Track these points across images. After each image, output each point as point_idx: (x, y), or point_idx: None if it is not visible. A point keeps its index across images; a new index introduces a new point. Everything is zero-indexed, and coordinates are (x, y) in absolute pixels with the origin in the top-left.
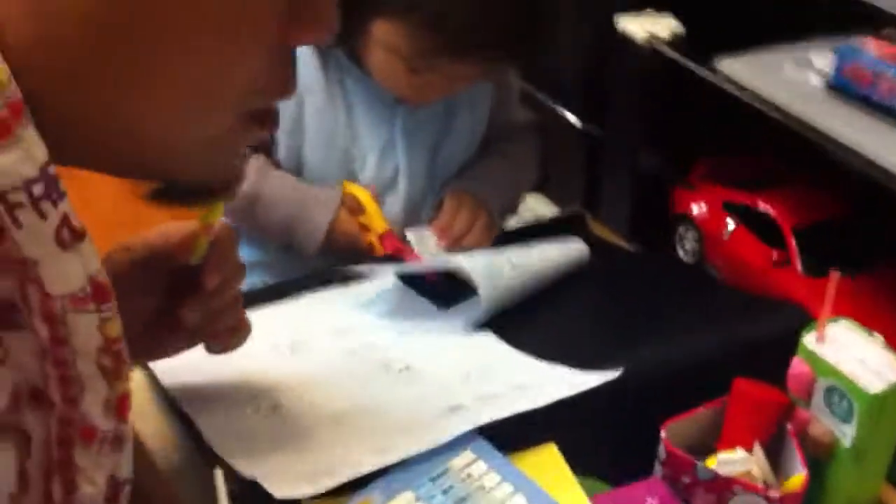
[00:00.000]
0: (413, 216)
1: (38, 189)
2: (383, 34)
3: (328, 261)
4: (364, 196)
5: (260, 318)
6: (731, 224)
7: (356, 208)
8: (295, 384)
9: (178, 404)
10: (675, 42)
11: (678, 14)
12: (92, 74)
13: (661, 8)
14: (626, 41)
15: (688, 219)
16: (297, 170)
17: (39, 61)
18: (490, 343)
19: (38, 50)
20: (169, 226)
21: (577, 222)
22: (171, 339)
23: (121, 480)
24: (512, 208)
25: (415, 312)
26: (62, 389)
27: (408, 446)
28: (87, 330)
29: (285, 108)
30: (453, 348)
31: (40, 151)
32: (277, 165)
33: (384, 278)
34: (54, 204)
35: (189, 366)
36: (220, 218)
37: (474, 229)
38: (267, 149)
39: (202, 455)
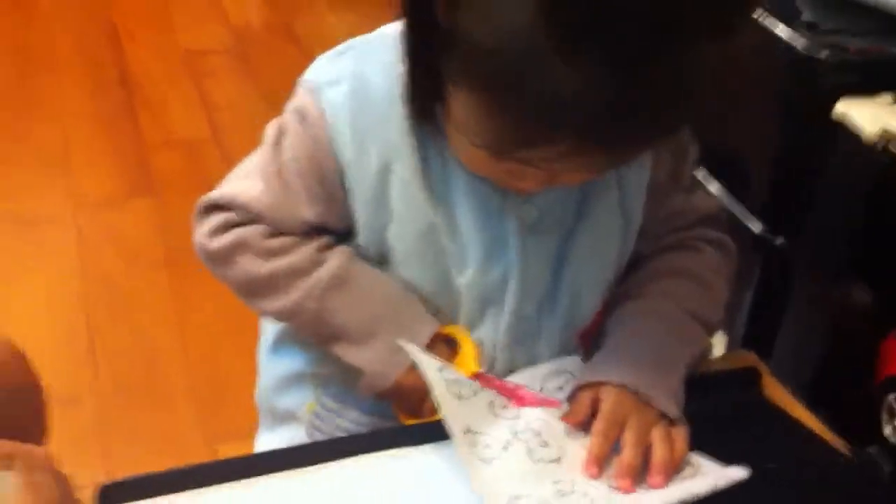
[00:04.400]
0: (519, 343)
1: None
2: (455, 106)
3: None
4: (463, 337)
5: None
6: None
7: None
8: None
9: None
10: None
11: None
12: None
13: None
14: (843, 132)
15: None
16: (380, 258)
17: None
18: None
19: None
20: None
21: (747, 379)
22: None
23: None
24: (699, 363)
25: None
26: None
27: None
28: None
29: (365, 173)
30: None
31: None
32: None
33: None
34: None
35: None
36: None
37: (657, 461)
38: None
39: None
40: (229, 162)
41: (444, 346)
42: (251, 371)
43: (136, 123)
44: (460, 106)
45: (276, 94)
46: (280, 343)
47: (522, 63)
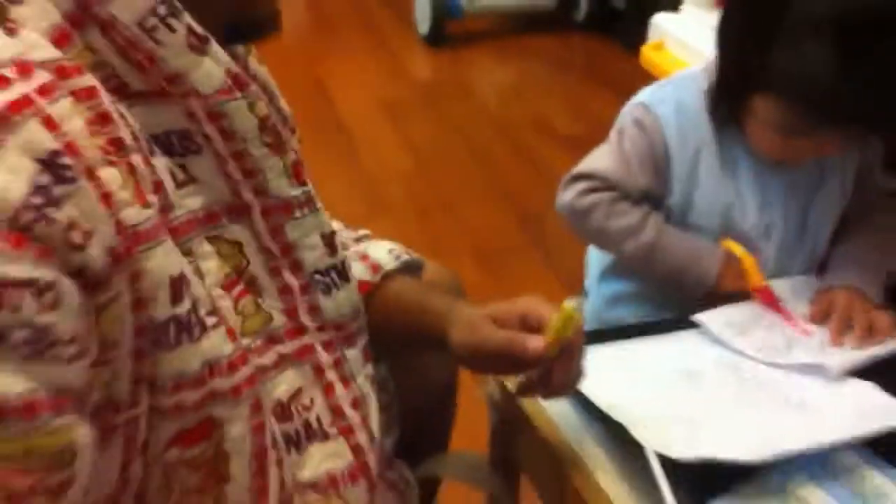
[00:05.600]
0: (784, 264)
1: (162, 10)
2: (761, 108)
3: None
4: (742, 253)
5: (650, 347)
6: None
7: (735, 263)
8: (706, 407)
9: (608, 413)
10: None
11: None
12: None
13: None
14: None
15: None
16: (685, 211)
17: None
18: (872, 391)
19: None
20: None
21: None
22: None
23: (330, 234)
24: (888, 282)
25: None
26: (249, 182)
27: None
28: (241, 114)
29: (683, 157)
30: (840, 391)
31: None
32: (666, 212)
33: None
34: (178, 19)
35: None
36: (570, 334)
37: (879, 328)
38: (658, 201)
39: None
40: (436, 188)
41: (731, 264)
42: None
43: (359, 160)
44: (768, 107)
45: (459, 131)
46: (607, 273)
47: (818, 80)
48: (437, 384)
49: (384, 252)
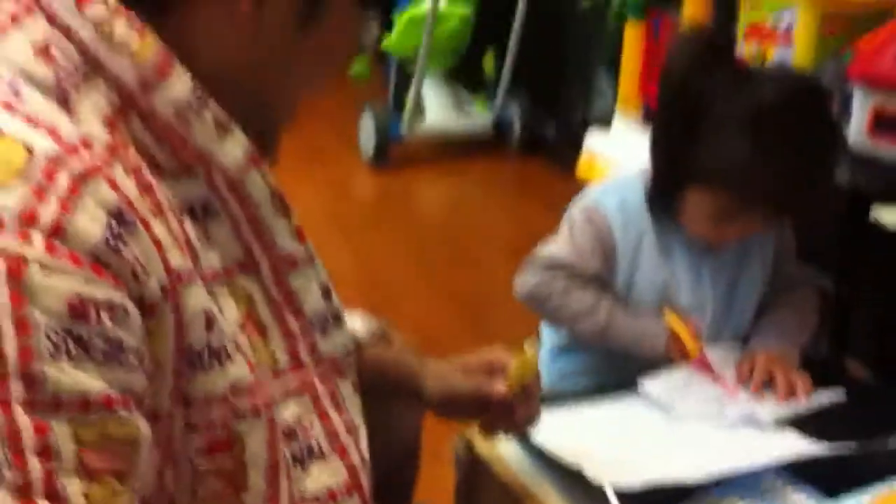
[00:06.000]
0: (715, 335)
1: (194, 101)
2: (693, 199)
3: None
4: (680, 328)
5: (597, 408)
6: None
7: (676, 337)
8: (648, 447)
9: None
10: None
11: None
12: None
13: None
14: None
15: None
16: (628, 291)
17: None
18: (791, 434)
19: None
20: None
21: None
22: None
23: (327, 284)
24: (803, 349)
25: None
26: (260, 241)
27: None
28: (257, 184)
29: (627, 246)
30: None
31: (188, 81)
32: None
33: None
34: (207, 107)
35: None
36: (529, 377)
37: (797, 387)
38: (605, 281)
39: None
40: (382, 289)
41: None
42: None
43: None
44: (697, 198)
45: (403, 240)
46: (559, 350)
47: (738, 169)
48: (401, 443)
49: (357, 322)
